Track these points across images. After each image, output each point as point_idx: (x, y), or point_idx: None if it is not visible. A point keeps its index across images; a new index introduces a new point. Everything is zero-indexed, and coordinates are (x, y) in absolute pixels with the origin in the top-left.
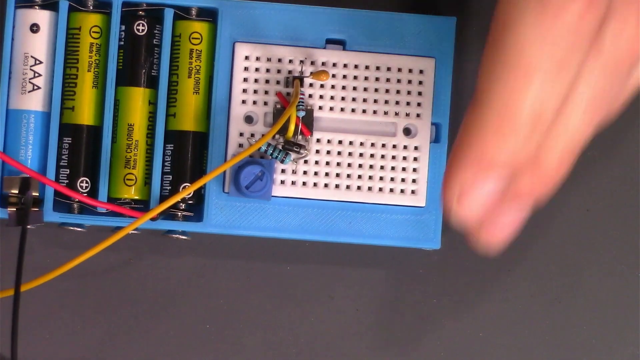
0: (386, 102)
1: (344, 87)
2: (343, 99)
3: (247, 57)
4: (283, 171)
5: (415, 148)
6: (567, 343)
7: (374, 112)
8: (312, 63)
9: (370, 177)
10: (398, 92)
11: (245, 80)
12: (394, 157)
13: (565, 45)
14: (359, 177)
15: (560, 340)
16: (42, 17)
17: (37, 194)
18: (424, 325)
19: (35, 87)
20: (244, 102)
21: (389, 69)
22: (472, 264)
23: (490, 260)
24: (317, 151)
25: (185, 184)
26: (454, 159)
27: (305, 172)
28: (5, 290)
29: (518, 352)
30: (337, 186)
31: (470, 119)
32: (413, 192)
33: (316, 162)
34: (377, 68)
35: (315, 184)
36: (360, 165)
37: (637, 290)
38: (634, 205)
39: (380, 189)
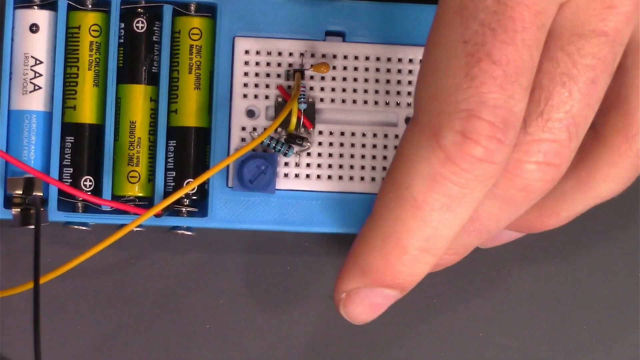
0: (387, 92)
1: (344, 79)
2: (344, 90)
3: (247, 52)
4: (286, 164)
5: None
6: (567, 343)
7: (376, 102)
8: (313, 55)
9: (373, 168)
10: (399, 82)
11: (245, 74)
12: (396, 147)
13: (458, 185)
14: (362, 168)
15: (560, 340)
16: (41, 16)
17: (41, 194)
18: (424, 325)
19: (36, 87)
20: (245, 96)
21: (389, 59)
22: (472, 264)
23: (490, 260)
24: (320, 143)
25: (189, 180)
26: (346, 264)
27: (308, 165)
28: (18, 287)
29: (518, 352)
30: (340, 177)
31: (364, 231)
32: None
33: (319, 154)
34: (378, 59)
35: (318, 176)
36: (363, 156)
37: (637, 290)
38: (634, 205)
39: (383, 180)
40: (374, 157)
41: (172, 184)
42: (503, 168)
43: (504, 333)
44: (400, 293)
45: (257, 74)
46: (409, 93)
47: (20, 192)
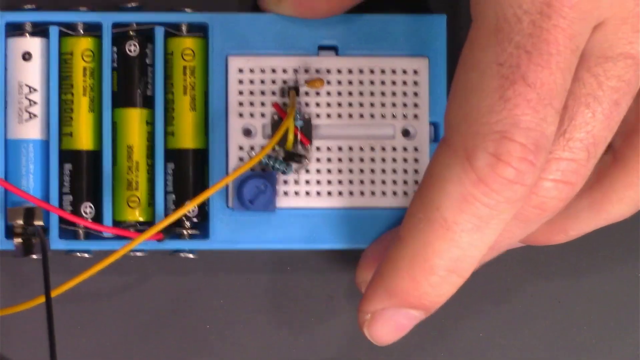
0: (383, 104)
1: (339, 93)
2: (339, 104)
3: (240, 70)
4: (285, 182)
5: (415, 149)
6: (567, 343)
7: (372, 115)
8: (306, 71)
9: (372, 182)
10: (394, 94)
11: (240, 93)
12: (394, 160)
13: (488, 207)
14: (362, 182)
15: (560, 340)
16: (34, 44)
17: (42, 223)
18: (424, 325)
19: (32, 116)
20: (241, 115)
21: (383, 71)
22: None
23: (490, 261)
24: (318, 159)
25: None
26: (371, 284)
27: (307, 182)
28: (24, 303)
29: (518, 352)
30: (340, 193)
31: (391, 252)
32: None
33: (318, 171)
34: (372, 71)
35: (318, 193)
36: (361, 170)
37: (637, 290)
38: None
39: (384, 193)
40: (372, 170)
41: (172, 207)
42: (531, 189)
43: (504, 333)
44: (425, 314)
45: (252, 92)
46: (405, 104)
47: (21, 222)
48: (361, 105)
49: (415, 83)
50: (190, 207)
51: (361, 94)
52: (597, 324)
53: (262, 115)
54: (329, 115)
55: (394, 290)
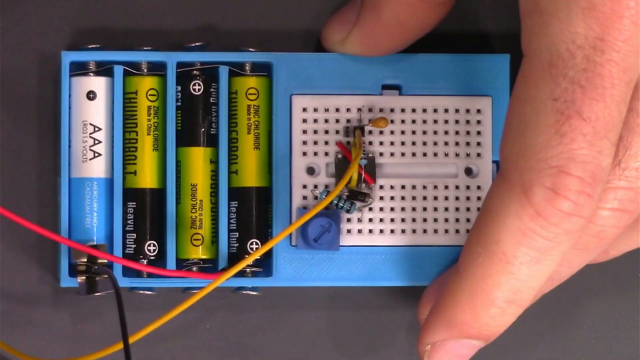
0: (446, 143)
1: (403, 132)
2: (403, 143)
3: (304, 109)
4: (349, 220)
5: (478, 187)
6: (567, 343)
7: (435, 154)
8: (370, 110)
9: (435, 220)
10: (457, 132)
11: (304, 132)
12: (457, 198)
13: (547, 239)
14: (425, 220)
15: (560, 340)
16: (98, 83)
17: (106, 261)
18: None
19: (96, 154)
20: (304, 154)
21: (446, 110)
22: None
23: None
24: (381, 198)
25: (253, 240)
26: (431, 316)
27: (371, 220)
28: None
29: (518, 352)
30: (403, 231)
31: (450, 285)
32: None
33: (381, 209)
34: (435, 110)
35: (381, 231)
36: (424, 209)
37: (637, 290)
38: None
39: (446, 231)
40: (435, 209)
41: (235, 245)
42: (589, 220)
43: (504, 333)
44: (484, 343)
45: (315, 131)
46: (468, 143)
47: (85, 260)
48: (424, 144)
49: (479, 122)
50: (263, 252)
51: (424, 132)
52: (597, 324)
53: (326, 154)
54: (392, 154)
55: (454, 322)
